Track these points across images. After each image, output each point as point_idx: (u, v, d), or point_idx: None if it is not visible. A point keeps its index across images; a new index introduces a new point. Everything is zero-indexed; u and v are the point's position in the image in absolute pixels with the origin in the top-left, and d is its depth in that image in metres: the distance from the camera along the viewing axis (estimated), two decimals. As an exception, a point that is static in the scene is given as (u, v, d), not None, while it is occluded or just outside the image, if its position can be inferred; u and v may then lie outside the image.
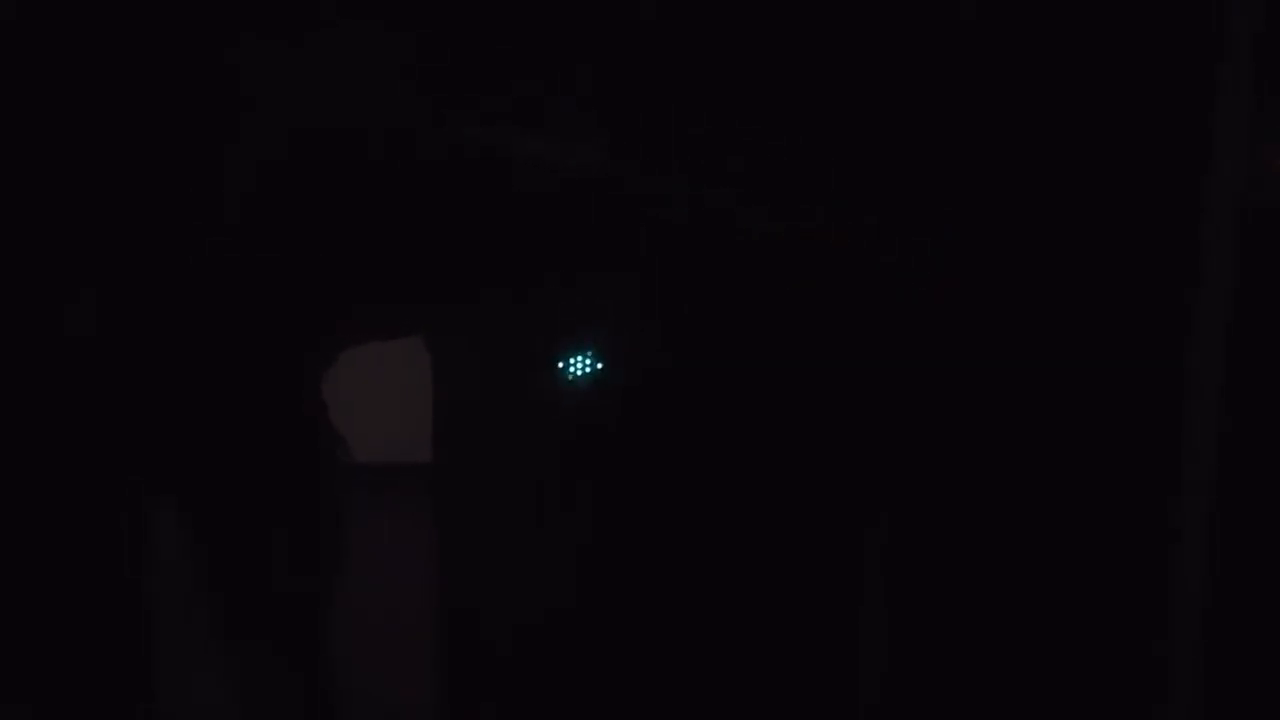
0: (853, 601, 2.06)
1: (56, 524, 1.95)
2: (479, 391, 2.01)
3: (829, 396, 1.96)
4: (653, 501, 1.97)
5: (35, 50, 1.82)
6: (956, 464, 1.98)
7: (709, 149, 1.89)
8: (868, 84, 1.89)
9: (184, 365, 1.94)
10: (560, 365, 1.95)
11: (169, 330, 1.92)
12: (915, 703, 2.08)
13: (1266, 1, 1.84)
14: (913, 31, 1.88)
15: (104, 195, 1.86)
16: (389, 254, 1.94)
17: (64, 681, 1.99)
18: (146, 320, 1.91)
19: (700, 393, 1.94)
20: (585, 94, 1.87)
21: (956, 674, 2.04)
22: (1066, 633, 1.99)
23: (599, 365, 1.95)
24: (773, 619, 2.02)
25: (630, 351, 1.95)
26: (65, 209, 1.86)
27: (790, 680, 2.04)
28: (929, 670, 2.06)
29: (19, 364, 1.90)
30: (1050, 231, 1.90)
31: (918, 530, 2.03)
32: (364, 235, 1.92)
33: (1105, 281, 1.91)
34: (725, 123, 1.89)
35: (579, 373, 1.95)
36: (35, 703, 1.99)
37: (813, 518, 2.00)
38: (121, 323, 1.91)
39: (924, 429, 1.98)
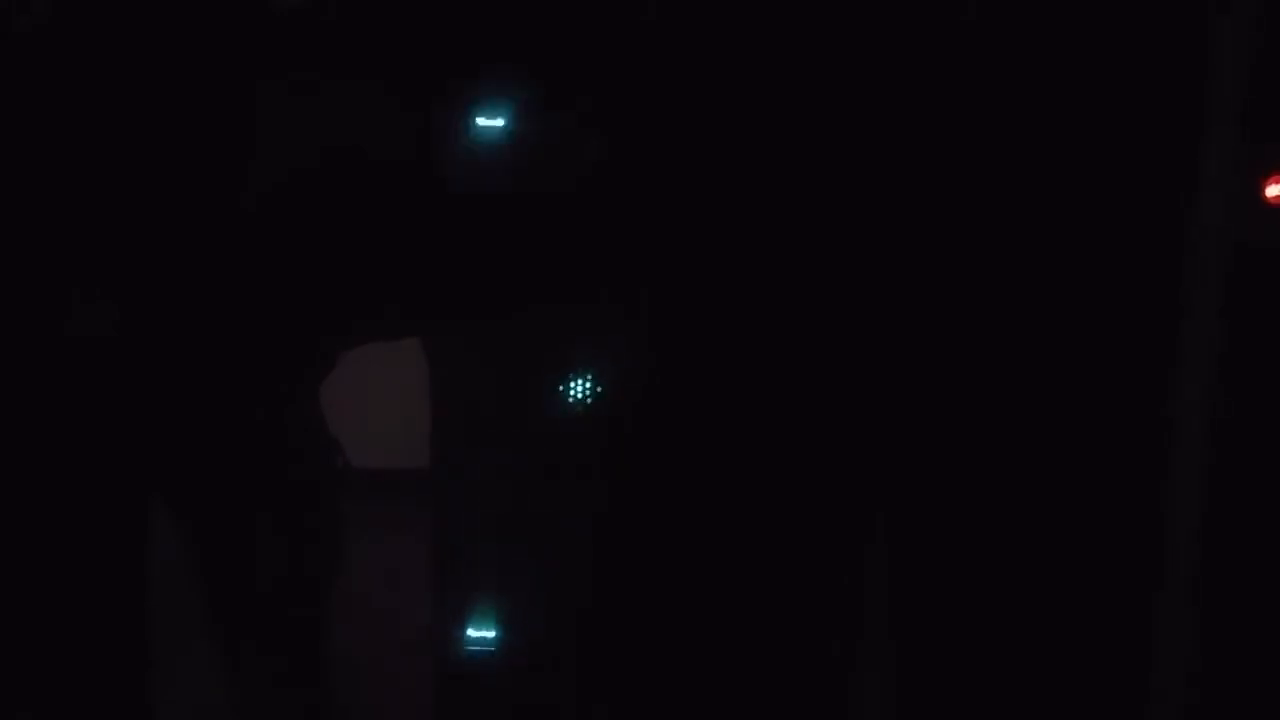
0: (854, 606, 2.07)
1: (58, 527, 1.95)
2: (477, 399, 2.02)
3: (825, 404, 1.96)
4: (651, 511, 1.97)
5: (61, 56, 1.83)
6: (950, 470, 1.99)
7: (707, 147, 1.90)
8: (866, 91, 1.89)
9: (185, 368, 1.94)
10: (560, 385, 1.95)
11: (171, 333, 1.92)
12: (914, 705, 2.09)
13: (1256, 32, 1.85)
14: (913, 47, 1.88)
15: (114, 198, 1.87)
16: (391, 263, 1.95)
17: (64, 684, 2.00)
18: (150, 322, 1.91)
19: (698, 405, 1.95)
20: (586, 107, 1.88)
21: (957, 678, 2.05)
22: (1063, 638, 2.00)
23: (597, 383, 1.96)
24: (774, 630, 2.02)
25: (628, 365, 1.95)
26: (75, 211, 1.86)
27: (790, 693, 2.04)
28: (929, 676, 2.07)
29: (23, 364, 1.90)
30: (1040, 244, 1.91)
31: (914, 535, 2.04)
32: (367, 244, 1.93)
33: (1096, 291, 1.92)
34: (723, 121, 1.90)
35: (579, 392, 1.96)
36: (35, 705, 1.99)
37: (812, 526, 2.00)
38: (125, 324, 1.91)
39: (918, 434, 1.98)
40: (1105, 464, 1.96)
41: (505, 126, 1.88)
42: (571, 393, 1.97)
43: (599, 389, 1.96)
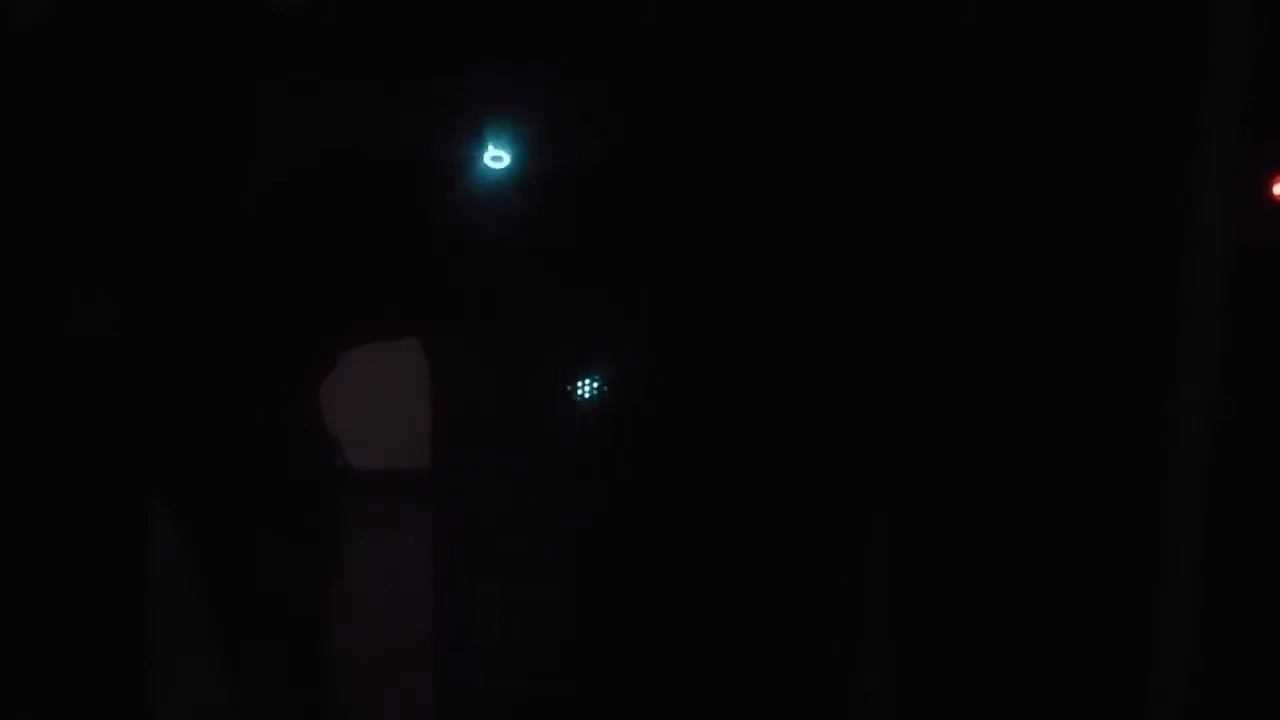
0: (854, 606, 2.07)
1: (58, 527, 1.95)
2: (477, 399, 2.02)
3: (826, 404, 1.96)
4: (651, 511, 1.97)
5: (61, 56, 1.83)
6: (950, 470, 1.99)
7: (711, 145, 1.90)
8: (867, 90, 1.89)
9: (185, 368, 1.94)
10: (560, 385, 1.95)
11: (171, 333, 1.92)
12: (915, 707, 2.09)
13: (1255, 32, 1.85)
14: (914, 46, 1.88)
15: (114, 198, 1.87)
16: (391, 263, 1.95)
17: (64, 684, 2.00)
18: (150, 322, 1.91)
19: (698, 405, 1.95)
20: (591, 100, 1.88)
21: (957, 678, 2.05)
22: (1063, 638, 2.00)
23: (597, 383, 1.96)
24: (774, 630, 2.02)
25: (628, 365, 1.95)
26: (75, 211, 1.86)
27: (790, 693, 2.04)
28: (929, 676, 2.07)
29: (23, 364, 1.90)
30: (1040, 244, 1.91)
31: (914, 535, 2.04)
32: (367, 244, 1.93)
33: (1097, 291, 1.92)
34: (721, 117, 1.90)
35: (579, 393, 1.96)
36: (35, 705, 1.99)
37: (812, 526, 2.00)
38: (125, 324, 1.91)
39: (918, 434, 1.98)
40: (1105, 464, 1.96)
41: (510, 165, 1.89)
42: (571, 393, 1.97)
43: (599, 389, 1.96)
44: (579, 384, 1.96)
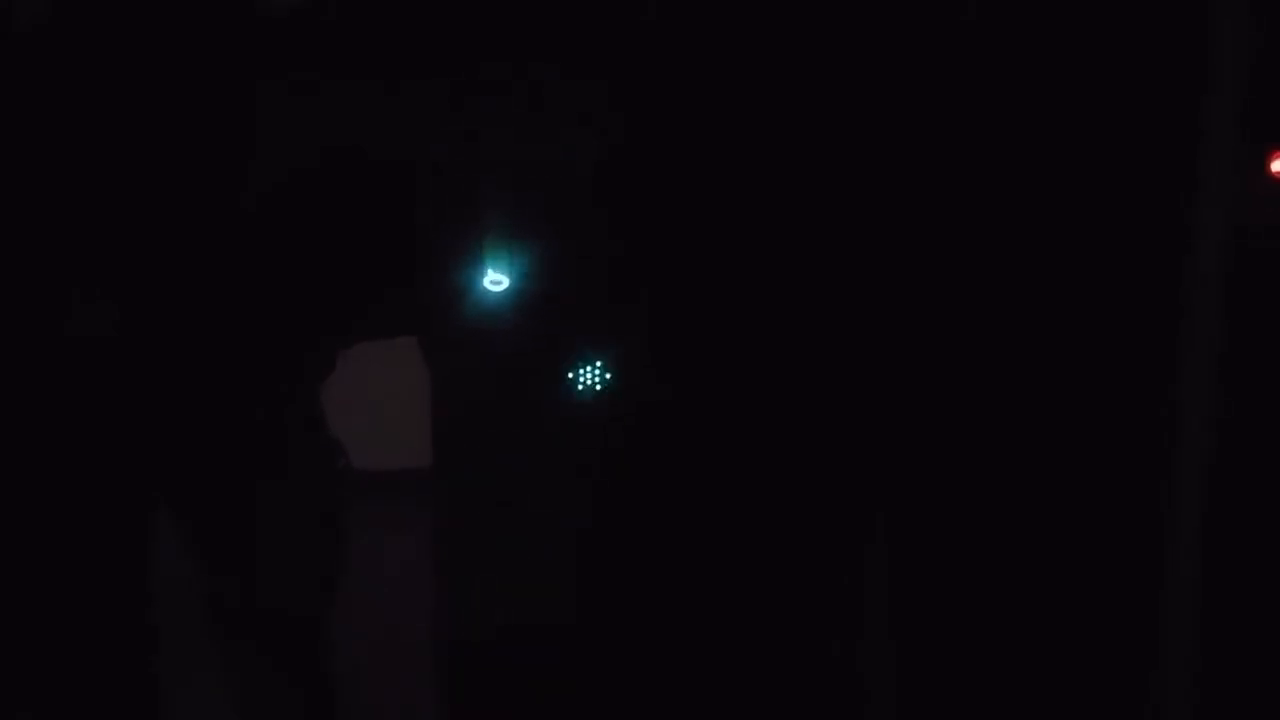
0: (854, 606, 2.07)
1: (59, 527, 1.95)
2: (477, 398, 2.02)
3: (826, 404, 1.97)
4: (651, 511, 1.97)
5: (61, 56, 1.83)
6: (950, 470, 1.99)
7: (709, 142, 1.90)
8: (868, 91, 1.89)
9: (185, 368, 1.94)
10: (561, 385, 1.95)
11: (171, 333, 1.92)
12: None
13: (1255, 32, 1.85)
14: (914, 41, 1.89)
15: (114, 198, 1.87)
16: (391, 263, 1.95)
17: (65, 684, 2.00)
18: (150, 322, 1.91)
19: (698, 405, 1.95)
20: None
21: (957, 678, 2.05)
22: (1063, 638, 2.00)
23: (605, 376, 1.96)
24: (774, 630, 2.02)
25: (629, 366, 1.95)
26: (75, 211, 1.87)
27: (790, 693, 2.04)
28: (929, 676, 2.07)
29: (23, 364, 1.91)
30: (1040, 243, 1.91)
31: (914, 535, 2.04)
32: (367, 244, 1.93)
33: (1097, 290, 1.92)
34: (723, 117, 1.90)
35: (585, 383, 1.96)
36: (35, 705, 2.00)
37: (812, 526, 2.00)
38: (125, 324, 1.91)
39: (918, 434, 1.98)
40: (1106, 463, 1.96)
41: (510, 286, 1.90)
42: (572, 393, 1.97)
43: (599, 389, 1.96)
44: (579, 384, 1.96)
